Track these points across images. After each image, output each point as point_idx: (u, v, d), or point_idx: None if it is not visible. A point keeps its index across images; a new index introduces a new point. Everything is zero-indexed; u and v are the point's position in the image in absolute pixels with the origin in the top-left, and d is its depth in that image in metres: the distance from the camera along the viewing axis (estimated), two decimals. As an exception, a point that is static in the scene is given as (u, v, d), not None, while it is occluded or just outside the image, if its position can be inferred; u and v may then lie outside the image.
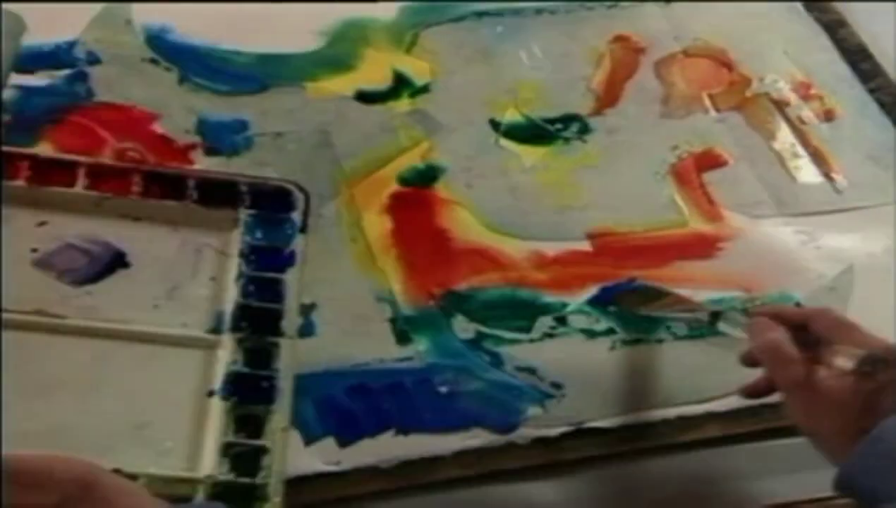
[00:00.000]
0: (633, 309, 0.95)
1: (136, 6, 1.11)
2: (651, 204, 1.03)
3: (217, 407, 0.78)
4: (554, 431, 0.87)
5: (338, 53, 1.12)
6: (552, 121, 1.09)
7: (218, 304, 0.83)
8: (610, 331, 0.93)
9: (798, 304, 0.97)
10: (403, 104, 1.08)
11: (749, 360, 0.84)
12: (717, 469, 0.88)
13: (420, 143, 1.05)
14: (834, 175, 1.08)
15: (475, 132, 1.07)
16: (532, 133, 1.08)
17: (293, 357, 0.81)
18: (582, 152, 1.07)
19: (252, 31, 1.12)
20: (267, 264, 0.84)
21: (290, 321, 0.82)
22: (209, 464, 0.76)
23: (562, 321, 0.94)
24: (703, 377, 0.91)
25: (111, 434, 0.76)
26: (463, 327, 0.92)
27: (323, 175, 1.00)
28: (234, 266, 0.84)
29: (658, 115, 1.11)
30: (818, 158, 1.09)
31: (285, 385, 0.79)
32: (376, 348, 0.89)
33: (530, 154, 1.06)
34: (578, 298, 0.95)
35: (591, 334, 0.93)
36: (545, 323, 0.93)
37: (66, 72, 1.05)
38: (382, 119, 1.07)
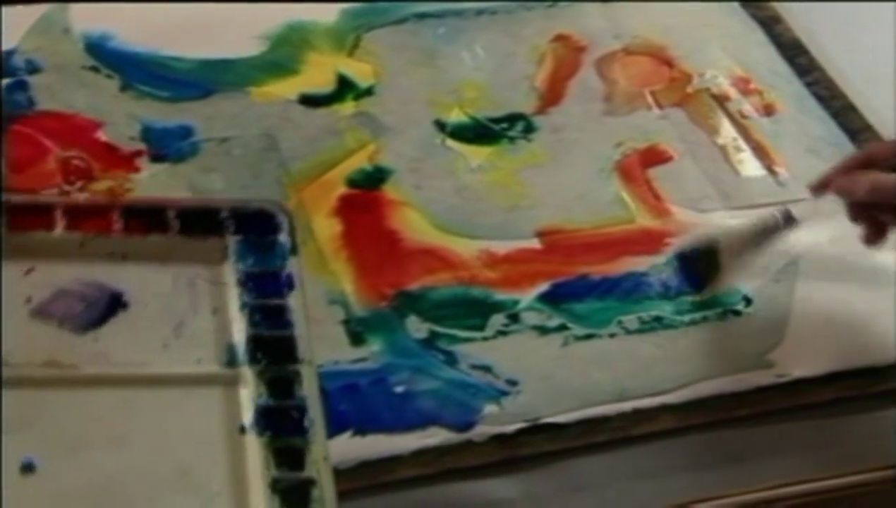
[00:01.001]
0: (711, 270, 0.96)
1: (74, 14, 1.10)
2: (598, 201, 1.04)
3: (253, 443, 0.76)
4: (510, 428, 0.87)
5: (280, 58, 1.11)
6: (497, 121, 1.09)
7: (227, 337, 0.81)
8: (562, 327, 0.94)
9: (746, 297, 0.98)
10: (348, 107, 1.08)
11: (854, 214, 0.91)
12: (672, 460, 0.88)
13: (366, 146, 1.05)
14: (776, 168, 1.09)
15: (421, 133, 1.07)
16: (477, 133, 1.08)
17: (315, 382, 0.80)
18: (528, 151, 1.07)
19: (193, 36, 1.11)
20: (267, 290, 0.82)
21: (305, 346, 0.80)
22: (261, 503, 0.74)
23: (514, 318, 0.94)
24: (657, 369, 0.92)
25: (156, 485, 0.73)
26: (416, 327, 0.92)
27: (270, 179, 1.00)
28: (234, 295, 0.82)
29: (601, 113, 1.12)
30: (760, 152, 1.10)
31: (316, 412, 0.77)
32: (331, 350, 0.88)
33: (477, 154, 1.06)
34: (530, 295, 0.96)
35: (543, 330, 0.94)
36: (498, 320, 0.94)
37: (6, 81, 1.03)
38: (328, 122, 1.06)
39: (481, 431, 0.87)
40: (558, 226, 1.01)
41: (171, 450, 0.74)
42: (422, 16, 1.18)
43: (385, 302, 0.93)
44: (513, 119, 1.10)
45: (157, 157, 1.00)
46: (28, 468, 0.71)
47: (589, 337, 0.93)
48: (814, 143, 1.12)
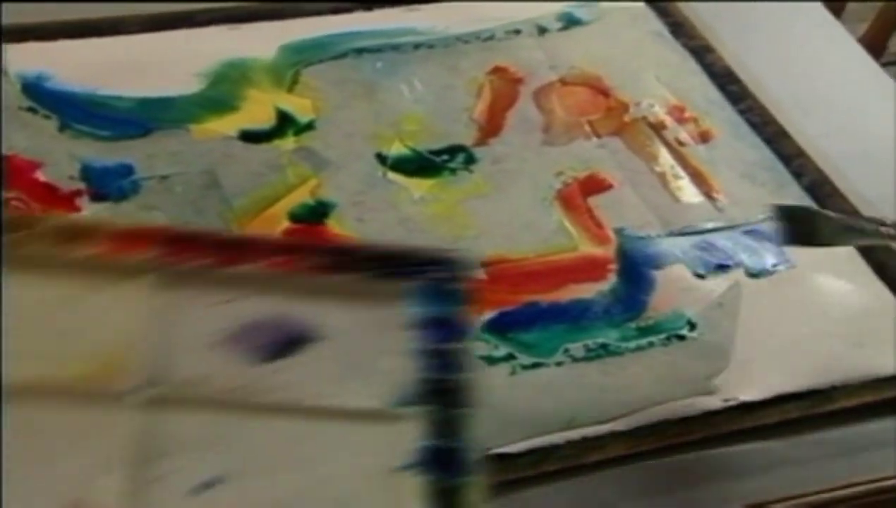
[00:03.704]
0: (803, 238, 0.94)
1: (10, 55, 1.09)
2: (541, 230, 1.04)
3: (413, 482, 0.77)
4: (462, 458, 0.87)
5: (220, 95, 1.11)
6: (438, 153, 1.10)
7: (402, 377, 0.82)
8: (509, 357, 0.94)
9: (690, 322, 0.99)
10: (289, 142, 1.08)
11: None
12: (624, 487, 0.89)
13: (308, 180, 1.05)
14: (714, 194, 1.10)
15: (363, 166, 1.07)
16: (419, 165, 1.09)
17: (479, 427, 0.80)
18: (469, 182, 1.08)
19: (131, 75, 1.10)
20: (442, 336, 0.84)
21: (473, 392, 0.81)
22: None
23: (462, 349, 0.94)
24: (605, 397, 0.92)
25: None
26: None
27: (213, 215, 1.00)
28: (412, 338, 0.84)
29: (540, 143, 1.13)
30: (698, 178, 1.12)
31: (476, 455, 0.78)
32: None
33: (418, 186, 1.07)
34: (476, 325, 0.96)
35: (490, 360, 0.94)
36: (446, 352, 0.94)
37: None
38: (269, 157, 1.06)
39: (432, 462, 0.87)
40: (502, 256, 1.01)
41: (337, 481, 0.77)
42: (360, 51, 1.19)
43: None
44: (453, 151, 1.10)
45: (97, 197, 0.99)
46: (209, 485, 0.74)
47: (536, 365, 0.94)
48: (749, 169, 1.14)
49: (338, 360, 0.83)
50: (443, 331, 0.84)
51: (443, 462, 0.78)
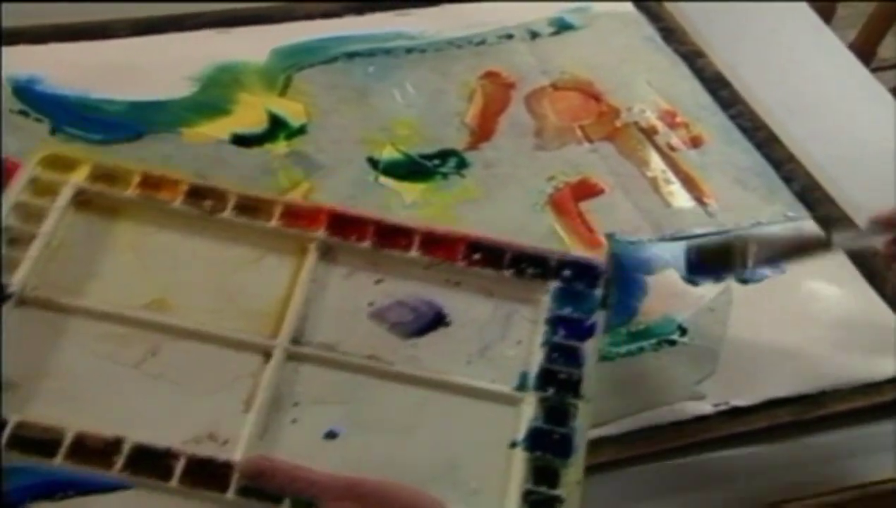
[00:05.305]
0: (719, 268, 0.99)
1: (1, 58, 1.09)
2: (532, 234, 1.04)
3: (519, 457, 0.84)
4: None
5: (212, 98, 1.11)
6: (429, 158, 1.10)
7: (524, 365, 0.89)
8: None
9: (681, 327, 0.99)
10: (281, 146, 1.08)
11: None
12: (614, 491, 0.89)
13: (300, 184, 1.05)
14: (706, 199, 1.11)
15: (354, 171, 1.07)
16: (410, 169, 1.09)
17: (589, 418, 0.86)
18: (461, 187, 1.08)
19: (123, 78, 1.11)
20: (570, 333, 0.90)
21: (589, 386, 0.87)
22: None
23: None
24: (597, 401, 0.93)
25: (428, 472, 0.83)
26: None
27: (205, 220, 1.00)
28: (540, 332, 0.90)
29: (532, 148, 1.13)
30: (689, 183, 1.12)
31: (580, 442, 0.84)
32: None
33: (410, 190, 1.07)
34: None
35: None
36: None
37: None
38: (261, 161, 1.06)
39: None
40: (494, 261, 1.01)
41: (449, 448, 0.85)
42: (352, 55, 1.19)
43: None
44: (445, 155, 1.11)
45: (89, 200, 0.99)
46: (331, 435, 0.84)
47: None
48: (740, 174, 1.14)
49: (468, 343, 0.90)
50: (571, 330, 0.90)
51: (550, 443, 0.84)
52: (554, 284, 0.92)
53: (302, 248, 0.92)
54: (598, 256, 0.96)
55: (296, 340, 0.88)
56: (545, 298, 0.92)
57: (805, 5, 1.41)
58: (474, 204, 1.07)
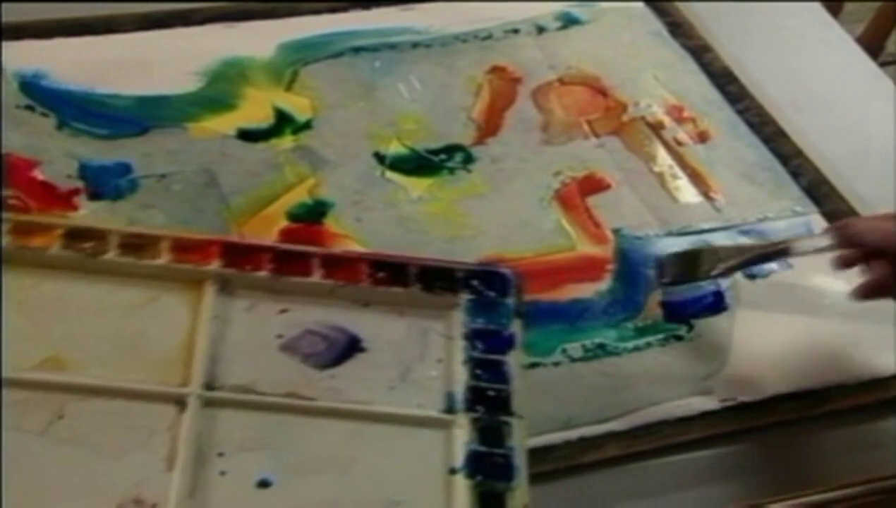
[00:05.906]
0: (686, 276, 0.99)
1: (7, 53, 1.09)
2: (539, 229, 1.04)
3: (461, 484, 0.81)
4: (459, 459, 0.88)
5: (217, 93, 1.11)
6: (436, 152, 1.10)
7: (448, 385, 0.87)
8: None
9: (688, 323, 0.99)
10: (287, 141, 1.08)
11: (843, 262, 0.93)
12: (619, 487, 0.89)
13: (306, 179, 1.05)
14: (713, 194, 1.11)
15: (361, 166, 1.07)
16: (417, 164, 1.09)
17: (525, 435, 0.84)
18: (467, 182, 1.08)
19: (129, 73, 1.10)
20: (489, 347, 0.88)
21: (519, 401, 0.85)
22: None
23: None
24: (602, 397, 0.92)
25: None
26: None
27: (211, 214, 1.00)
28: (459, 348, 0.88)
29: (539, 143, 1.13)
30: (696, 178, 1.12)
31: (521, 462, 0.82)
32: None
33: (416, 185, 1.07)
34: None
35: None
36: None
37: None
38: (267, 156, 1.06)
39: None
40: (500, 255, 1.01)
41: (386, 482, 0.81)
42: (358, 50, 1.18)
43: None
44: (451, 150, 1.10)
45: (94, 195, 0.99)
46: (264, 484, 0.79)
47: (534, 365, 0.93)
48: (748, 169, 1.14)
49: (388, 368, 0.87)
50: (490, 343, 0.88)
51: (491, 467, 0.82)
52: (465, 296, 0.91)
53: (197, 284, 0.88)
54: (504, 266, 0.94)
55: (209, 385, 0.83)
56: (457, 312, 0.90)
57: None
58: (481, 199, 1.06)
